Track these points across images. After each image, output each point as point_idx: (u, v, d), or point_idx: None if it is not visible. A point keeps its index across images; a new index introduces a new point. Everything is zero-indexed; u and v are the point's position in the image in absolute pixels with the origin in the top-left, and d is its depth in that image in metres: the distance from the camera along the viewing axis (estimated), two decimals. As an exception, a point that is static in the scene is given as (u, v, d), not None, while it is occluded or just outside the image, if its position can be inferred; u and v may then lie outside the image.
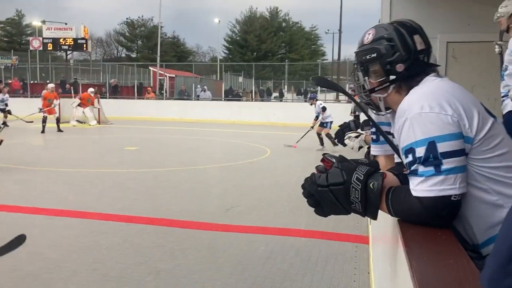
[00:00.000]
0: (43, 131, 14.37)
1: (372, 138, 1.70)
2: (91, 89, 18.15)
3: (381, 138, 1.66)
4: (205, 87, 23.58)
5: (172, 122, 19.34)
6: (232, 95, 24.01)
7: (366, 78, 1.42)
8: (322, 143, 11.18)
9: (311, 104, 11.81)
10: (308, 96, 14.16)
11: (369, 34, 1.41)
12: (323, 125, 11.34)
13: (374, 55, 1.37)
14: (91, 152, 10.82)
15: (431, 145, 1.18)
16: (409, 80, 1.36)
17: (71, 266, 3.74)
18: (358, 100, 1.54)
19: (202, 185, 7.21)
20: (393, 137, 1.45)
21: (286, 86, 26.34)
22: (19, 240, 2.97)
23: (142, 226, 4.88)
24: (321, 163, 1.31)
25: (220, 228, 4.83)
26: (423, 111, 1.20)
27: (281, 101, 25.11)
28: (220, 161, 9.70)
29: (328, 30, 42.51)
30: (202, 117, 20.10)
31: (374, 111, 1.49)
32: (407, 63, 1.34)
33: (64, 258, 3.93)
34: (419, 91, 1.29)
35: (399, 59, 1.34)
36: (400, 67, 1.34)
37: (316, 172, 1.30)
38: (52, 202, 5.84)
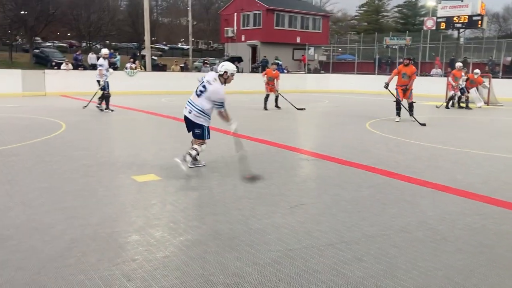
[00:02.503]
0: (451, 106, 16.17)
1: None
2: (476, 71, 16.96)
3: None
4: None
5: None
6: None
7: None
8: None
9: None
10: None
11: None
12: None
13: None
14: (478, 133, 10.42)
15: None
16: None
17: (455, 242, 3.76)
18: None
19: None
20: None
21: None
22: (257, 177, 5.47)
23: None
24: None
25: None
26: None
27: None
28: None
29: None
30: None
31: None
32: None
33: (448, 233, 3.98)
34: None
35: None
36: None
37: None
38: (439, 177, 5.99)
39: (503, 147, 8.33)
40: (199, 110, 5.81)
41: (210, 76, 5.93)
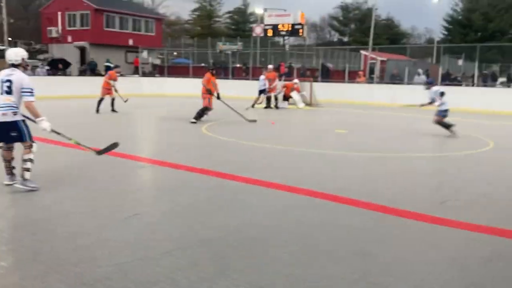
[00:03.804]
0: (267, 107, 17.38)
1: None
2: (295, 81, 19.41)
3: None
4: (419, 70, 22.31)
5: (382, 107, 18.93)
6: (449, 80, 22.07)
7: None
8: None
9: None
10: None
11: None
12: (440, 114, 10.60)
13: None
14: (303, 132, 11.38)
15: None
16: None
17: (282, 235, 4.00)
18: None
19: (414, 174, 6.87)
20: None
21: (516, 71, 23.00)
22: (115, 145, 5.98)
23: (352, 208, 4.91)
24: None
25: (434, 221, 4.52)
26: None
27: (508, 87, 22.08)
28: (434, 151, 9.10)
29: None
30: (414, 103, 19.10)
31: None
32: None
33: (276, 228, 4.22)
34: None
35: None
36: None
37: None
38: (269, 174, 6.33)
39: (323, 144, 9.24)
40: (5, 106, 5.05)
41: (5, 72, 5.23)
